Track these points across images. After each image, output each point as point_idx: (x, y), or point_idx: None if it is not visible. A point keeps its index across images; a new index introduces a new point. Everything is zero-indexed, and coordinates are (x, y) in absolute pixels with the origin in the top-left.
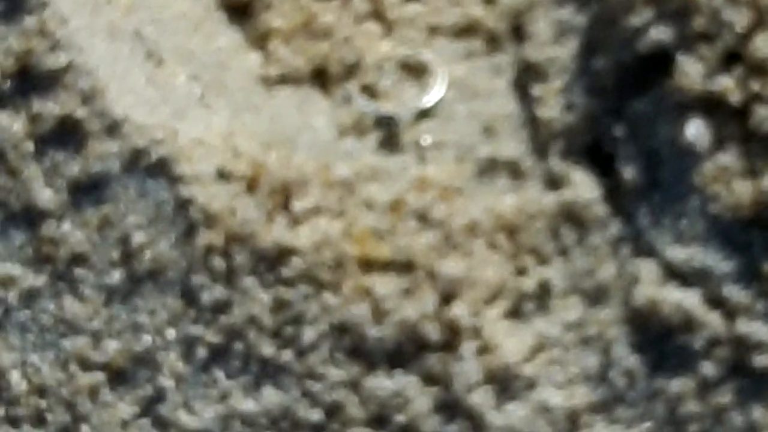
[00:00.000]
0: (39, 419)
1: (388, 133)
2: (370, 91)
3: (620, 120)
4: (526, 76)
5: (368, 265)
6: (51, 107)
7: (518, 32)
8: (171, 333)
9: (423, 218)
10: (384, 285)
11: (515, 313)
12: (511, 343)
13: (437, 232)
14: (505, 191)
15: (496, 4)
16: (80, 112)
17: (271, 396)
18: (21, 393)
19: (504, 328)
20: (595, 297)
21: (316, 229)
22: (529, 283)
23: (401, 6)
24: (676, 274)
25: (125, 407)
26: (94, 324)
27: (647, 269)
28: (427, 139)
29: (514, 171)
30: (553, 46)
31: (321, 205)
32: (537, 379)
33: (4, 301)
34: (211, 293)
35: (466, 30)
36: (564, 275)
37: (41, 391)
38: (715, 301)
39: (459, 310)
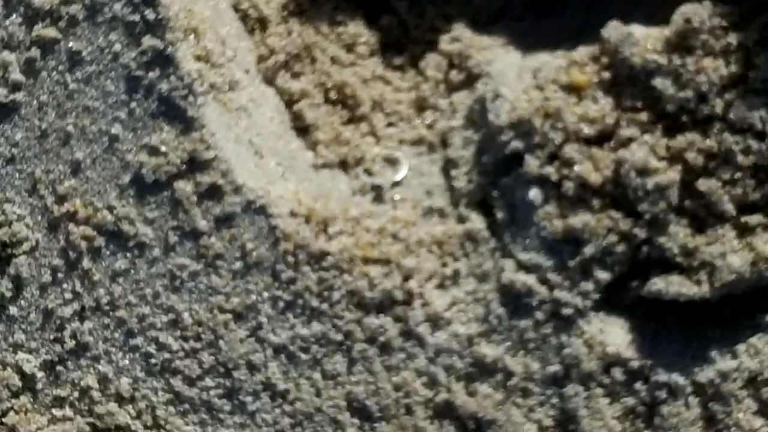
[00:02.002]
0: (197, 338)
1: (378, 194)
2: (369, 172)
3: (496, 188)
4: (449, 165)
5: (367, 260)
6: (205, 178)
7: (445, 143)
8: (265, 294)
9: (395, 237)
10: (375, 271)
11: (442, 286)
12: (439, 300)
13: (402, 244)
14: (437, 224)
15: (434, 129)
16: (220, 181)
17: (316, 327)
18: (188, 324)
19: (436, 293)
20: (482, 278)
21: (340, 242)
22: (448, 271)
23: (385, 129)
24: (523, 267)
25: (241, 332)
26: (227, 289)
27: (508, 264)
28: (397, 197)
29: (442, 214)
30: (462, 150)
31: (343, 230)
32: (452, 319)
33: (180, 277)
34: (286, 274)
35: (418, 141)
36: (467, 267)
37: (199, 323)
38: (543, 281)
39: (413, 284)
